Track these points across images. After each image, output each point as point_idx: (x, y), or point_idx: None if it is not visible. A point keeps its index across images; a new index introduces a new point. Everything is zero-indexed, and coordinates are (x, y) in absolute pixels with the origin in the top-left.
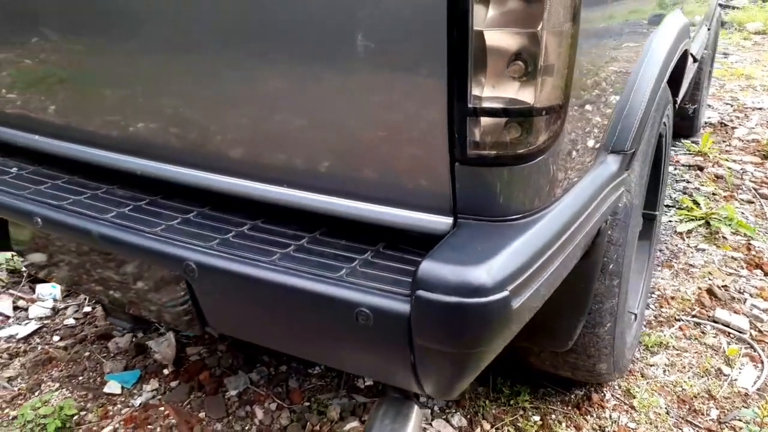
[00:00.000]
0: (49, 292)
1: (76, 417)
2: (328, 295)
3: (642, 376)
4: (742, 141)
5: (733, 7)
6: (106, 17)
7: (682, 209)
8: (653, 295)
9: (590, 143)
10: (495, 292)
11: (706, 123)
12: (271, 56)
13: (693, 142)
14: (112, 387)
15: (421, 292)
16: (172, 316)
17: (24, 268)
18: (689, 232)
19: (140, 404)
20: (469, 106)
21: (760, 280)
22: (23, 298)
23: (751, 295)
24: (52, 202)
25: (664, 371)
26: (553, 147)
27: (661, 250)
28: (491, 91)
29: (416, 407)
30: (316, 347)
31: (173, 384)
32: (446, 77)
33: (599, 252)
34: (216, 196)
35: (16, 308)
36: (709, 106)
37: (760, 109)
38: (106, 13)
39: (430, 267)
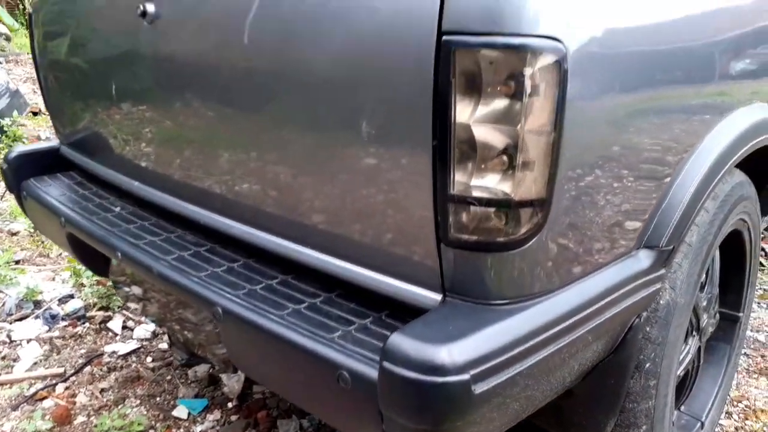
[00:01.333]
0: None
1: None
2: (316, 353)
3: None
4: None
5: None
6: (202, 87)
7: None
8: (739, 405)
9: (612, 236)
10: (453, 374)
11: None
12: (305, 144)
13: None
14: (181, 411)
15: (386, 364)
16: (216, 356)
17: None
18: None
19: (200, 431)
20: (451, 192)
21: None
22: (132, 319)
23: None
24: (132, 241)
25: None
26: (537, 238)
27: (763, 356)
28: (472, 180)
29: None
30: (308, 399)
31: (233, 417)
32: (431, 164)
33: (632, 349)
34: (260, 249)
35: (124, 327)
36: None
37: None
38: (201, 83)
39: (397, 340)
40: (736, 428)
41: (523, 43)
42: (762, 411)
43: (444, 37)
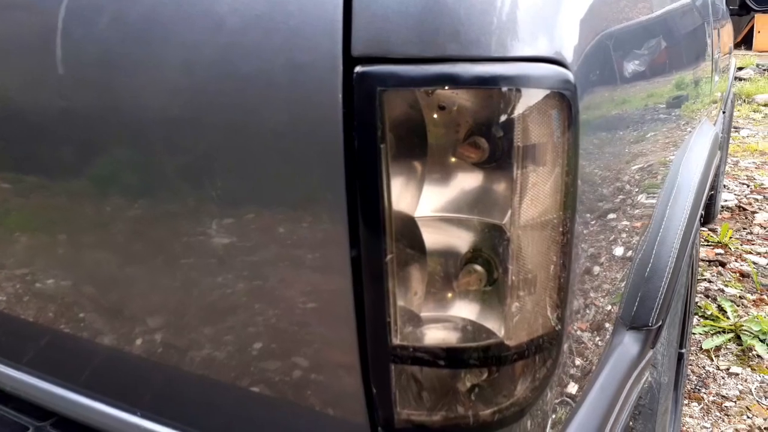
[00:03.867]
0: None
1: None
2: None
3: None
4: (765, 228)
5: (740, 79)
6: None
7: (707, 318)
8: None
9: (601, 330)
10: None
11: (723, 207)
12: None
13: (711, 230)
14: None
15: None
16: None
17: None
18: (717, 349)
19: None
20: (392, 342)
21: None
22: None
23: None
24: None
25: None
26: (540, 398)
27: (687, 375)
28: (423, 312)
29: None
30: None
31: None
32: (351, 293)
33: None
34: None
35: None
36: (725, 186)
37: None
38: None
39: None
40: None
41: (507, 74)
42: None
43: (358, 68)
